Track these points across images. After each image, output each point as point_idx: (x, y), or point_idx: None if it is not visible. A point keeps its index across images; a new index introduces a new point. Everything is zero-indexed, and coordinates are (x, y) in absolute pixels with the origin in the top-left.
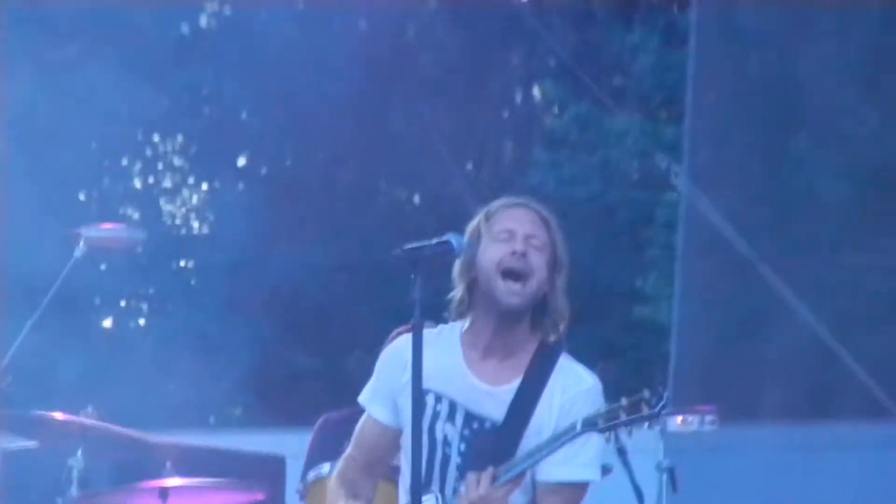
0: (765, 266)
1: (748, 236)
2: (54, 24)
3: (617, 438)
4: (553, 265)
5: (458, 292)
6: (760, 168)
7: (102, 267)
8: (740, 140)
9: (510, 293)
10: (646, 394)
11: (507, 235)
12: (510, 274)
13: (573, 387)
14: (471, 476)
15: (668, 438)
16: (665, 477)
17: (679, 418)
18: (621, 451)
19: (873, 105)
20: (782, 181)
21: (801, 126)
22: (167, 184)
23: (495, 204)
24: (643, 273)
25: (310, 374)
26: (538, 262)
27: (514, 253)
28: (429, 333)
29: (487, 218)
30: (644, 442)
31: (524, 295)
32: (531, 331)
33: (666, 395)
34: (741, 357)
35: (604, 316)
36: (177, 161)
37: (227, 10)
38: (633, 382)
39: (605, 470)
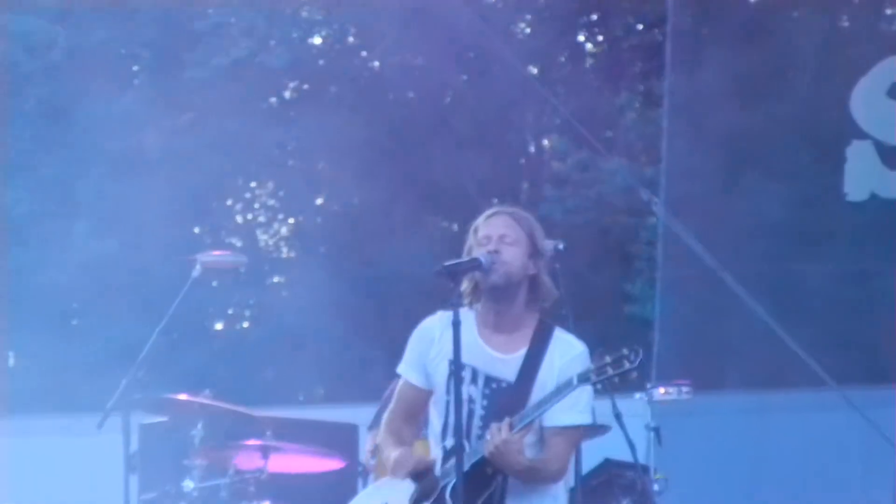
0: (726, 273)
1: (712, 250)
2: (173, 98)
3: (614, 405)
4: (532, 253)
5: (466, 287)
6: (721, 197)
7: (214, 284)
8: (705, 176)
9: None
10: (624, 351)
11: (486, 240)
12: None
13: (568, 352)
14: (493, 426)
15: (653, 405)
16: (652, 435)
17: (662, 389)
18: (618, 416)
19: (807, 148)
20: (738, 207)
21: (753, 165)
22: (262, 219)
23: (480, 218)
24: (631, 280)
25: (374, 361)
26: (510, 254)
27: (489, 252)
28: (448, 316)
29: (475, 231)
30: (635, 408)
31: (499, 277)
32: (527, 309)
33: (641, 350)
34: (709, 342)
35: (602, 313)
36: (269, 201)
37: (306, 85)
38: None
39: (606, 429)
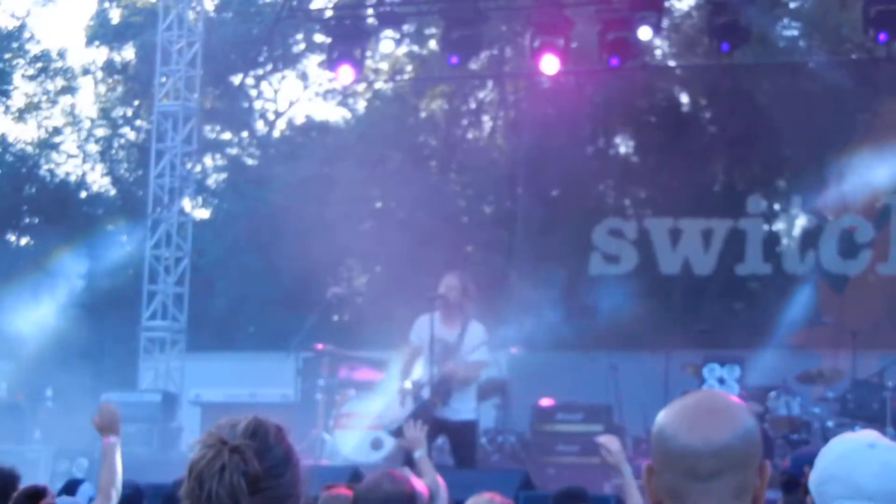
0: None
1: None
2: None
3: None
4: (465, 293)
5: (438, 304)
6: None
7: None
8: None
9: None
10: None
11: (445, 288)
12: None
13: (477, 329)
14: (444, 364)
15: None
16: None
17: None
18: None
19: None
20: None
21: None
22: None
23: (445, 276)
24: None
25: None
26: (453, 296)
27: (443, 294)
28: (428, 318)
29: (442, 281)
30: None
31: (449, 304)
32: (461, 314)
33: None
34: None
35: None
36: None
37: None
38: None
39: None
